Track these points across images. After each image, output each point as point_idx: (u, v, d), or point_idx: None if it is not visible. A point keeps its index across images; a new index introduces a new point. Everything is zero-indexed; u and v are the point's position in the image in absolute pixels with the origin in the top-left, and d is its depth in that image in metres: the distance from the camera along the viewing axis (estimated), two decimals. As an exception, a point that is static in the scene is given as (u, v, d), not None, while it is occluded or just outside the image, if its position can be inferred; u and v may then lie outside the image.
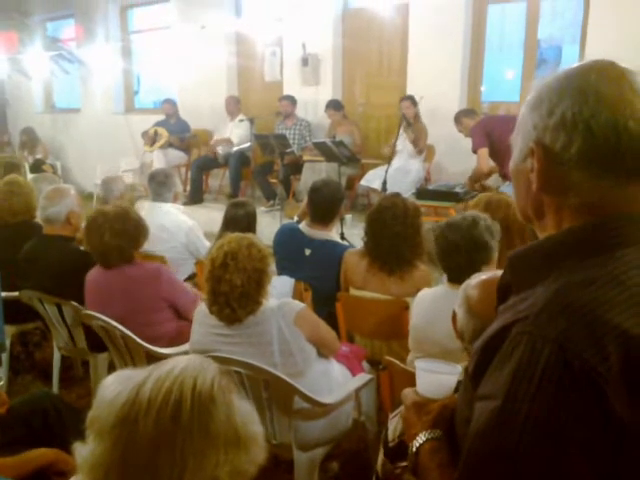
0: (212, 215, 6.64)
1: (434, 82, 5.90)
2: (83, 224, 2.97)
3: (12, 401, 2.14)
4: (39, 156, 9.05)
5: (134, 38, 9.15)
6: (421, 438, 1.04)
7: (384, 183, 4.99)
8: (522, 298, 0.84)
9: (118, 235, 2.72)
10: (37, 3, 9.31)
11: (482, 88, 6.19)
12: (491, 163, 4.87)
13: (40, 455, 1.78)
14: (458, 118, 5.26)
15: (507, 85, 6.72)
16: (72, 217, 3.16)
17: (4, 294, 3.33)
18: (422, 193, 5.13)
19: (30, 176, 7.66)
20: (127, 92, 9.38)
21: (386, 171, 5.05)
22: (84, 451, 0.85)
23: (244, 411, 0.87)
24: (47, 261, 3.07)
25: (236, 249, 2.07)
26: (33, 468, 1.75)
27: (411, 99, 5.73)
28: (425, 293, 2.31)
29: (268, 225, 5.49)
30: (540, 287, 0.83)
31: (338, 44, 6.78)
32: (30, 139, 9.26)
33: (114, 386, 0.86)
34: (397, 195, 2.84)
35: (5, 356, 3.47)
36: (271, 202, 6.65)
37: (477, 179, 5.04)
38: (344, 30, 6.79)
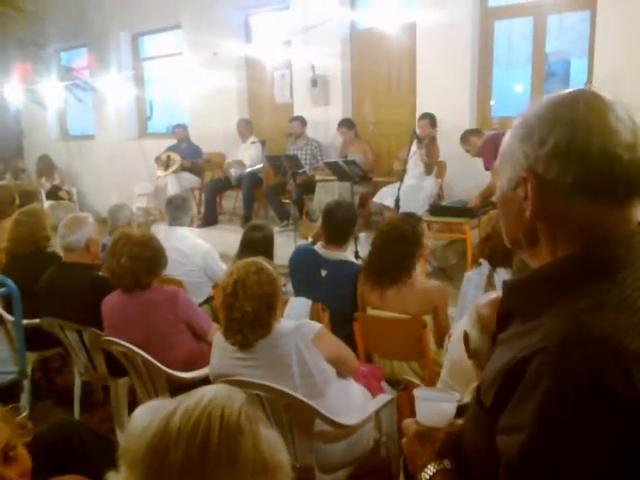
0: (226, 237, 6.69)
1: (443, 99, 5.94)
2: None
3: (35, 428, 2.16)
4: (56, 182, 9.21)
5: (146, 65, 9.33)
6: (430, 470, 1.02)
7: (397, 200, 5.01)
8: (530, 328, 0.86)
9: (134, 259, 2.76)
10: (51, 34, 9.53)
11: (491, 103, 6.22)
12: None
13: None
14: (465, 138, 5.28)
15: (516, 99, 6.75)
16: (91, 245, 3.22)
17: (25, 322, 3.40)
18: (435, 210, 5.14)
19: (47, 203, 7.80)
20: (140, 118, 9.53)
21: (398, 188, 5.07)
22: (116, 481, 0.87)
23: (271, 440, 0.88)
24: (67, 288, 3.12)
25: (244, 276, 2.10)
26: None
27: (430, 118, 5.73)
28: None
29: (282, 245, 5.52)
30: (548, 316, 0.84)
31: (347, 64, 6.87)
32: (46, 166, 9.43)
33: (144, 416, 0.88)
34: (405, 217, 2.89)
35: (27, 382, 3.51)
36: (284, 222, 6.69)
37: (491, 195, 5.04)
38: (352, 51, 6.87)
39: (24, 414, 3.26)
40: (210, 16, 7.67)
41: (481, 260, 2.63)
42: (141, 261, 2.75)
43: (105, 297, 2.92)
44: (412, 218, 2.83)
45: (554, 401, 0.76)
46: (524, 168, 0.88)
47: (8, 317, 3.78)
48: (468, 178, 5.69)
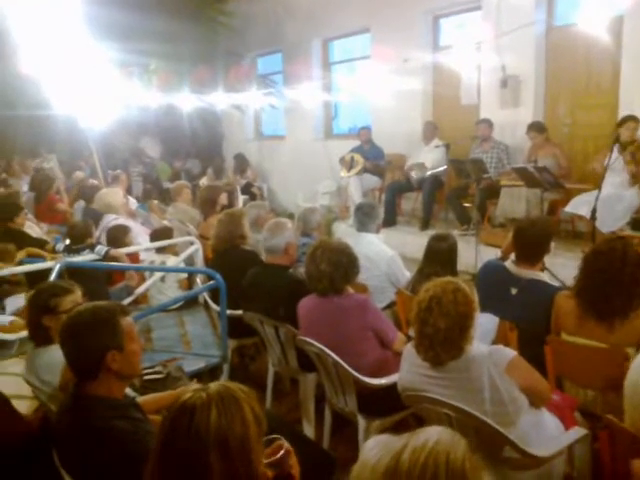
0: (405, 238, 6.78)
1: (652, 99, 5.39)
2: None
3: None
4: (248, 179, 10.05)
5: (334, 67, 9.74)
6: None
7: (593, 211, 4.66)
8: None
9: (333, 265, 2.93)
10: (250, 43, 10.39)
11: None
12: None
13: None
14: None
15: None
16: (290, 248, 3.51)
17: (228, 312, 3.81)
18: (638, 223, 4.69)
19: (241, 197, 8.58)
20: (326, 120, 10.00)
21: (596, 198, 4.70)
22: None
23: (493, 488, 0.94)
24: (268, 287, 3.44)
25: (441, 293, 2.13)
26: None
27: (635, 121, 5.22)
28: None
29: (462, 250, 5.44)
30: None
31: (540, 64, 6.53)
32: (241, 164, 10.34)
33: (375, 451, 0.98)
34: (619, 239, 2.67)
35: (226, 366, 3.92)
36: (465, 226, 6.59)
37: None
38: (547, 49, 6.52)
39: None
40: (399, 19, 7.77)
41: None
42: (339, 267, 2.92)
43: (301, 297, 3.15)
44: (619, 241, 2.63)
45: None
46: None
47: (214, 307, 4.27)
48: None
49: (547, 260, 4.69)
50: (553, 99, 6.63)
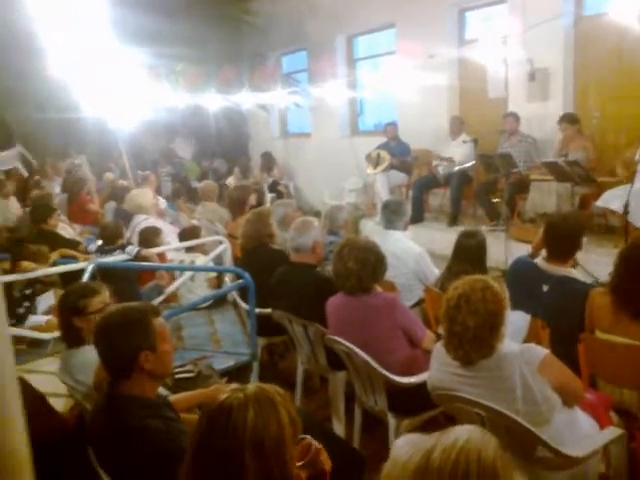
0: (432, 235, 6.73)
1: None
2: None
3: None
4: (275, 177, 10.09)
5: (358, 64, 9.70)
6: None
7: (626, 205, 4.56)
8: None
9: (360, 263, 2.92)
10: (274, 42, 10.40)
11: None
12: None
13: None
14: None
15: None
16: (317, 247, 3.51)
17: (257, 310, 3.84)
18: (673, 217, 4.57)
19: (269, 195, 8.63)
20: (352, 117, 9.96)
21: (629, 192, 4.60)
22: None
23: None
24: (296, 286, 3.45)
25: (469, 291, 2.10)
26: None
27: None
28: None
29: (492, 246, 5.37)
30: None
31: (569, 55, 6.40)
32: (268, 162, 10.38)
33: (406, 449, 0.98)
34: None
35: (256, 364, 3.95)
36: (494, 222, 6.51)
37: None
38: (576, 39, 6.38)
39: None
40: (424, 13, 7.69)
41: None
42: (366, 265, 2.91)
43: (328, 296, 3.15)
44: None
45: None
46: None
47: (243, 305, 4.30)
48: None
49: (579, 256, 4.62)
50: (583, 91, 6.49)
